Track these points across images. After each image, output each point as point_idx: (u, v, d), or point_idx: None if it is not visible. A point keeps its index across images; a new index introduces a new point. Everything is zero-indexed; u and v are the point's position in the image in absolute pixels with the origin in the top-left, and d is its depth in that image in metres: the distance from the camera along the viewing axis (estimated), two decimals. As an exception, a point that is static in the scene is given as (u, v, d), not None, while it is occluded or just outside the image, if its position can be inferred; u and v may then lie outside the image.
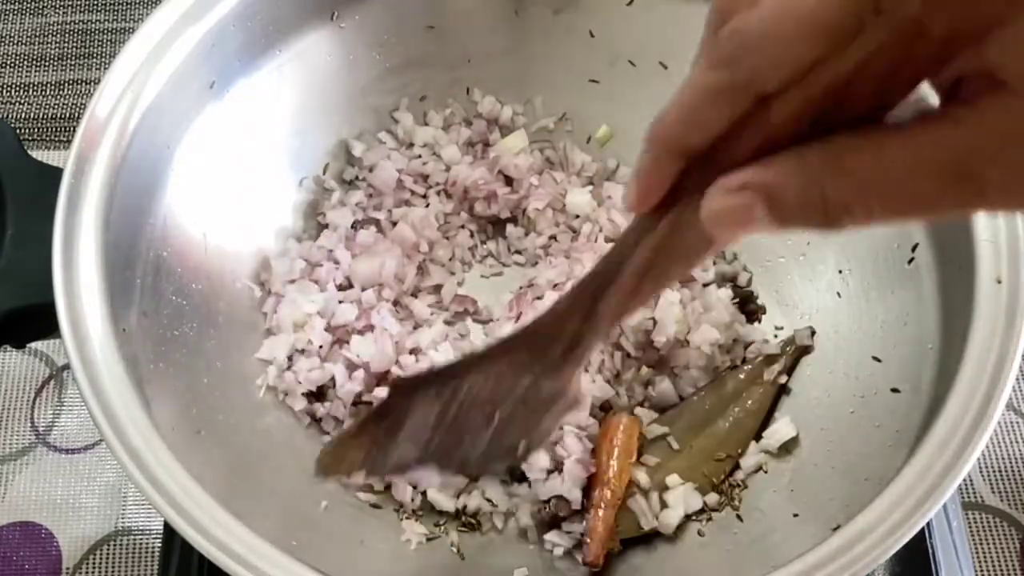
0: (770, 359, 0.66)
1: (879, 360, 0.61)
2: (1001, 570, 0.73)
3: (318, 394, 0.66)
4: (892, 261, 0.62)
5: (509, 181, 0.73)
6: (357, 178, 0.73)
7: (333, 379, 0.65)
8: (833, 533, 0.49)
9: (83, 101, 0.91)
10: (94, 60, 0.94)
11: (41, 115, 0.91)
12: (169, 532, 0.65)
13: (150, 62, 0.58)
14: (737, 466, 0.64)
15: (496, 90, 0.75)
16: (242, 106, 0.65)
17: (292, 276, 0.68)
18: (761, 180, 0.28)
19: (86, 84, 0.93)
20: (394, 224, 0.71)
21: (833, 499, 0.56)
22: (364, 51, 0.70)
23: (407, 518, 0.63)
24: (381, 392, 0.64)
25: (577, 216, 0.73)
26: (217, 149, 0.64)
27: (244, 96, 0.65)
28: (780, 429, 0.64)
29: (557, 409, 0.40)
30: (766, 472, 0.63)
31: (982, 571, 0.73)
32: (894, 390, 0.58)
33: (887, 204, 0.27)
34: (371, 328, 0.66)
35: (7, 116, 0.91)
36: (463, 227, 0.74)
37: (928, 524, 0.62)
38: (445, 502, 0.63)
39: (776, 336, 0.69)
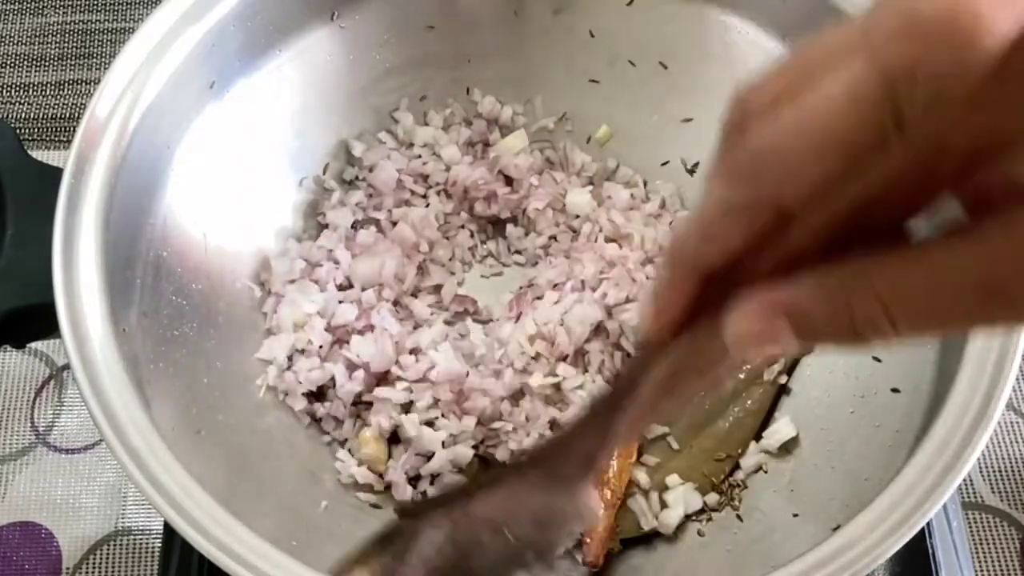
0: (770, 359, 0.66)
1: (879, 360, 0.61)
2: (1001, 570, 0.73)
3: (318, 394, 0.66)
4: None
5: (509, 181, 0.73)
6: (357, 178, 0.73)
7: (333, 379, 0.65)
8: (833, 533, 0.49)
9: (83, 101, 0.91)
10: (94, 60, 0.94)
11: (41, 115, 0.91)
12: (169, 532, 0.65)
13: (150, 62, 0.58)
14: (737, 466, 0.64)
15: (496, 90, 0.75)
16: (242, 106, 0.65)
17: (292, 276, 0.68)
18: (785, 300, 0.28)
19: (86, 84, 0.93)
20: (394, 224, 0.71)
21: (833, 499, 0.56)
22: (364, 51, 0.70)
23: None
24: (381, 392, 0.64)
25: (577, 216, 0.73)
26: (217, 149, 0.64)
27: (244, 96, 0.65)
28: (780, 429, 0.63)
29: (568, 523, 0.40)
30: (766, 472, 0.63)
31: (982, 571, 0.73)
32: (894, 390, 0.58)
33: (916, 322, 0.26)
34: (371, 328, 0.66)
35: (7, 116, 0.91)
36: (463, 227, 0.74)
37: (928, 524, 0.62)
38: (445, 502, 0.63)
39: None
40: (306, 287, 0.67)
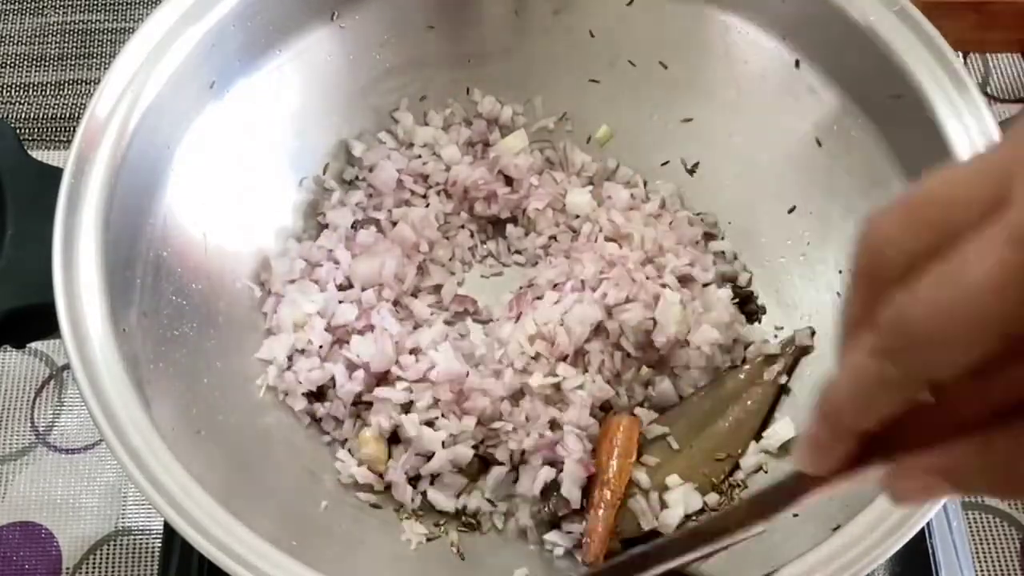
0: (770, 359, 0.66)
1: (879, 360, 0.61)
2: (1001, 570, 0.73)
3: (318, 394, 0.66)
4: (892, 261, 0.62)
5: (509, 181, 0.73)
6: (357, 178, 0.73)
7: (333, 379, 0.65)
8: (833, 533, 0.49)
9: (83, 101, 0.91)
10: (94, 60, 0.94)
11: (41, 115, 0.91)
12: (169, 532, 0.65)
13: (150, 62, 0.58)
14: (737, 466, 0.64)
15: (496, 90, 0.75)
16: (242, 106, 0.65)
17: (292, 276, 0.68)
18: (947, 465, 0.29)
19: (86, 84, 0.93)
20: (394, 224, 0.71)
21: (833, 499, 0.56)
22: (364, 51, 0.70)
23: (407, 518, 0.63)
24: (381, 392, 0.64)
25: (577, 216, 0.73)
26: (217, 149, 0.64)
27: (244, 96, 0.65)
28: (780, 429, 0.63)
29: None
30: (766, 472, 0.63)
31: (982, 571, 0.73)
32: (894, 390, 0.58)
33: None
34: (371, 328, 0.66)
35: (7, 116, 0.91)
36: (463, 227, 0.74)
37: (928, 524, 0.62)
38: (445, 502, 0.63)
39: (776, 336, 0.69)
40: (306, 287, 0.67)
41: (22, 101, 0.92)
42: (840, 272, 0.66)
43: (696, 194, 0.73)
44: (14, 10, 0.96)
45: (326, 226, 0.71)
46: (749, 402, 0.65)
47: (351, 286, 0.69)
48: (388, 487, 0.64)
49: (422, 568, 0.61)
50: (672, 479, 0.63)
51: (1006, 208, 0.25)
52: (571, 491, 0.61)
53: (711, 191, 0.73)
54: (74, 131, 0.55)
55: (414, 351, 0.66)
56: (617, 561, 0.51)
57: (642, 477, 0.62)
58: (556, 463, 0.62)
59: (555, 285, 0.68)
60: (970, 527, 0.74)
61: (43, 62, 0.94)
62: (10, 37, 0.95)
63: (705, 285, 0.69)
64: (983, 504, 0.76)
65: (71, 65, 0.94)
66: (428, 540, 0.62)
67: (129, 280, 0.56)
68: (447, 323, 0.69)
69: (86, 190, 0.54)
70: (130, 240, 0.57)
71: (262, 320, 0.67)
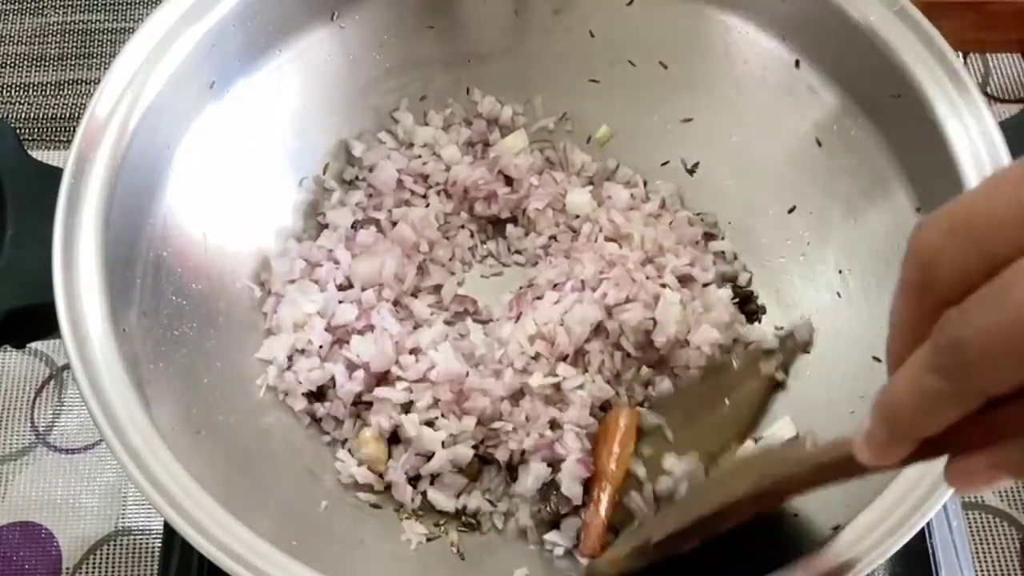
0: (767, 353, 0.66)
1: (879, 360, 0.61)
2: (1001, 570, 0.73)
3: (318, 394, 0.66)
4: (892, 261, 0.62)
5: (509, 181, 0.73)
6: (357, 178, 0.73)
7: (333, 379, 0.65)
8: (833, 533, 0.49)
9: (83, 101, 0.91)
10: (94, 60, 0.94)
11: (41, 115, 0.91)
12: (169, 532, 0.65)
13: (150, 62, 0.58)
14: None
15: (496, 90, 0.75)
16: (242, 106, 0.65)
17: (292, 276, 0.68)
18: (1006, 461, 0.32)
19: (86, 84, 0.93)
20: (394, 224, 0.71)
21: (833, 499, 0.56)
22: (364, 51, 0.70)
23: (407, 518, 0.63)
24: (381, 392, 0.64)
25: (577, 216, 0.73)
26: (217, 149, 0.64)
27: (244, 96, 0.65)
28: (780, 429, 0.63)
29: None
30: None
31: (982, 571, 0.73)
32: (894, 390, 0.58)
33: None
34: (371, 328, 0.66)
35: (7, 116, 0.91)
36: (463, 227, 0.74)
37: (928, 524, 0.62)
38: (445, 502, 0.63)
39: (776, 336, 0.69)
40: (306, 287, 0.67)
41: (22, 101, 0.92)
42: (840, 272, 0.66)
43: (696, 194, 0.73)
44: (14, 10, 0.96)
45: (326, 226, 0.71)
46: (743, 395, 0.64)
47: (351, 286, 0.69)
48: (388, 487, 0.64)
49: (422, 568, 0.61)
50: (669, 462, 0.62)
51: None
52: (571, 489, 0.61)
53: (711, 191, 0.73)
54: (74, 131, 0.55)
55: (414, 351, 0.66)
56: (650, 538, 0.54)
57: (639, 469, 0.62)
58: (555, 462, 0.62)
59: (555, 285, 0.68)
60: (970, 527, 0.74)
61: (43, 62, 0.94)
62: (10, 37, 0.95)
63: (705, 285, 0.70)
64: (983, 504, 0.76)
65: (71, 65, 0.94)
66: (428, 540, 0.62)
67: (129, 280, 0.56)
68: (447, 323, 0.69)
69: (86, 190, 0.54)
70: (130, 240, 0.57)
71: (262, 320, 0.67)
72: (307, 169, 0.71)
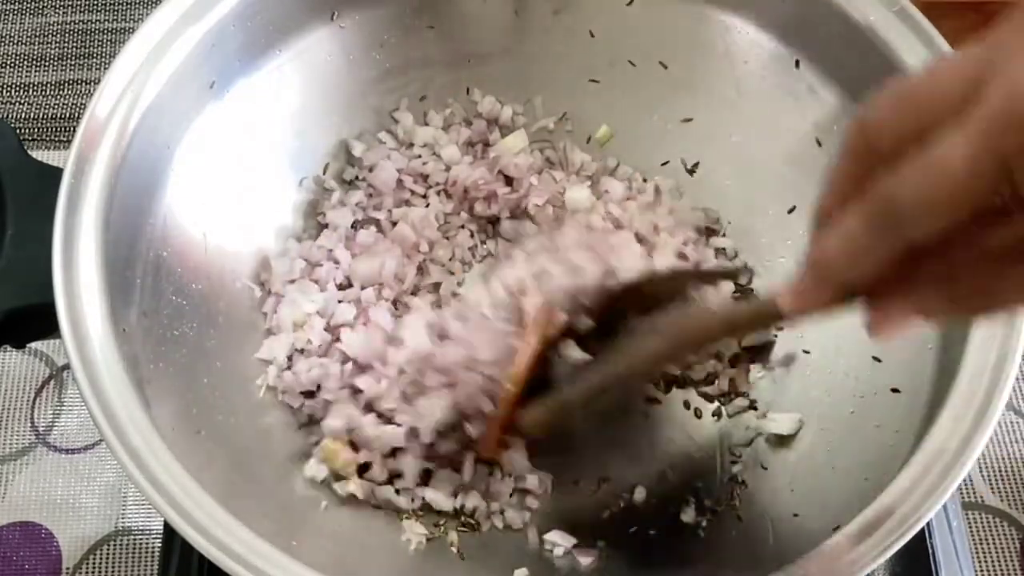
0: (707, 276, 0.63)
1: (879, 360, 0.61)
2: (1001, 570, 0.73)
3: (312, 393, 0.66)
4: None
5: (509, 181, 0.73)
6: (357, 178, 0.73)
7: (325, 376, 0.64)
8: (833, 533, 0.49)
9: (83, 101, 0.91)
10: (94, 60, 0.94)
11: (41, 115, 0.91)
12: (169, 532, 0.65)
13: (150, 62, 0.58)
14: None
15: (496, 90, 0.75)
16: (242, 106, 0.65)
17: (292, 276, 0.68)
18: (919, 308, 0.37)
19: (86, 84, 0.93)
20: (394, 224, 0.71)
21: (833, 499, 0.56)
22: (364, 51, 0.70)
23: (407, 518, 0.63)
24: (360, 382, 0.63)
25: (576, 212, 0.72)
26: (217, 149, 0.64)
27: (244, 96, 0.65)
28: (784, 424, 0.63)
29: None
30: (766, 469, 0.63)
31: (982, 571, 0.73)
32: (894, 390, 0.58)
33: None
34: (366, 324, 0.66)
35: (7, 116, 0.91)
36: (463, 227, 0.74)
37: (928, 524, 0.62)
38: (444, 502, 0.63)
39: (775, 336, 0.69)
40: (306, 287, 0.67)
41: (22, 101, 0.92)
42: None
43: (696, 194, 0.73)
44: (14, 10, 0.96)
45: (326, 226, 0.71)
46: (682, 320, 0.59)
47: (351, 286, 0.69)
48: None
49: (422, 568, 0.61)
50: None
51: (982, 99, 0.30)
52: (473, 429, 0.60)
53: (711, 191, 0.73)
54: (74, 131, 0.55)
55: (393, 340, 0.65)
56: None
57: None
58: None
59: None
60: (970, 527, 0.74)
61: (43, 62, 0.94)
62: (10, 37, 0.95)
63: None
64: (983, 504, 0.76)
65: (71, 65, 0.94)
66: (428, 540, 0.62)
67: (129, 280, 0.56)
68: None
69: (86, 190, 0.54)
70: (130, 240, 0.57)
71: (262, 320, 0.67)
72: (307, 169, 0.71)
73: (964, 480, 0.56)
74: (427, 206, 0.73)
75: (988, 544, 0.74)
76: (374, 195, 0.73)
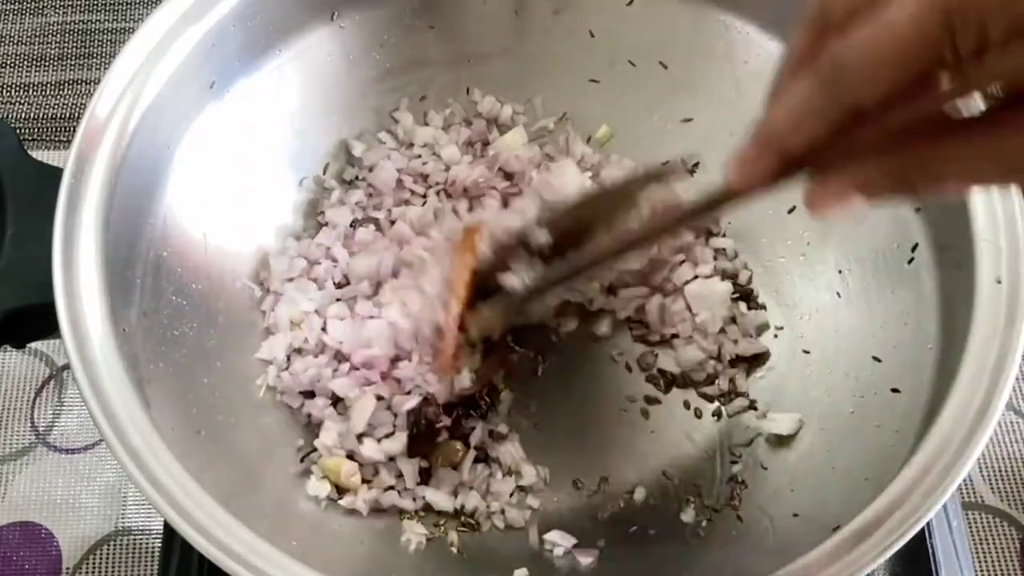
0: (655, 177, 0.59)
1: (879, 360, 0.61)
2: (1001, 570, 0.73)
3: (312, 393, 0.66)
4: (892, 261, 0.62)
5: (509, 176, 0.73)
6: (357, 178, 0.73)
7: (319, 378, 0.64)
8: (833, 533, 0.49)
9: (83, 101, 0.91)
10: (94, 60, 0.94)
11: (41, 115, 0.91)
12: (169, 532, 0.65)
13: (150, 62, 0.58)
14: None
15: (496, 90, 0.75)
16: (242, 106, 0.65)
17: (291, 274, 0.68)
18: (860, 182, 0.37)
19: (86, 84, 0.93)
20: (392, 223, 0.71)
21: (833, 499, 0.56)
22: (364, 51, 0.70)
23: (407, 518, 0.63)
24: (335, 384, 0.63)
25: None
26: (217, 149, 0.64)
27: (244, 96, 0.65)
28: (784, 424, 0.64)
29: None
30: (765, 468, 0.63)
31: (982, 571, 0.73)
32: (894, 390, 0.58)
33: (961, 184, 0.37)
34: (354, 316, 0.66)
35: (7, 116, 0.91)
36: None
37: (928, 524, 0.62)
38: (444, 502, 0.63)
39: (776, 336, 0.69)
40: (304, 285, 0.67)
41: (22, 101, 0.92)
42: (840, 272, 0.66)
43: (694, 194, 0.73)
44: (14, 10, 0.96)
45: (325, 225, 0.71)
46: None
47: (349, 284, 0.69)
48: (388, 488, 0.64)
49: (422, 568, 0.61)
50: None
51: None
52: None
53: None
54: (74, 131, 0.55)
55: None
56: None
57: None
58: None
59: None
60: (970, 527, 0.74)
61: (43, 62, 0.94)
62: (10, 37, 0.95)
63: (706, 278, 0.69)
64: (983, 504, 0.76)
65: (71, 65, 0.94)
66: (428, 540, 0.62)
67: (129, 280, 0.56)
68: None
69: (86, 190, 0.54)
70: (130, 240, 0.57)
71: (261, 319, 0.67)
72: (307, 169, 0.71)
73: (964, 480, 0.56)
74: (424, 204, 0.72)
75: (988, 544, 0.74)
76: (374, 195, 0.73)
